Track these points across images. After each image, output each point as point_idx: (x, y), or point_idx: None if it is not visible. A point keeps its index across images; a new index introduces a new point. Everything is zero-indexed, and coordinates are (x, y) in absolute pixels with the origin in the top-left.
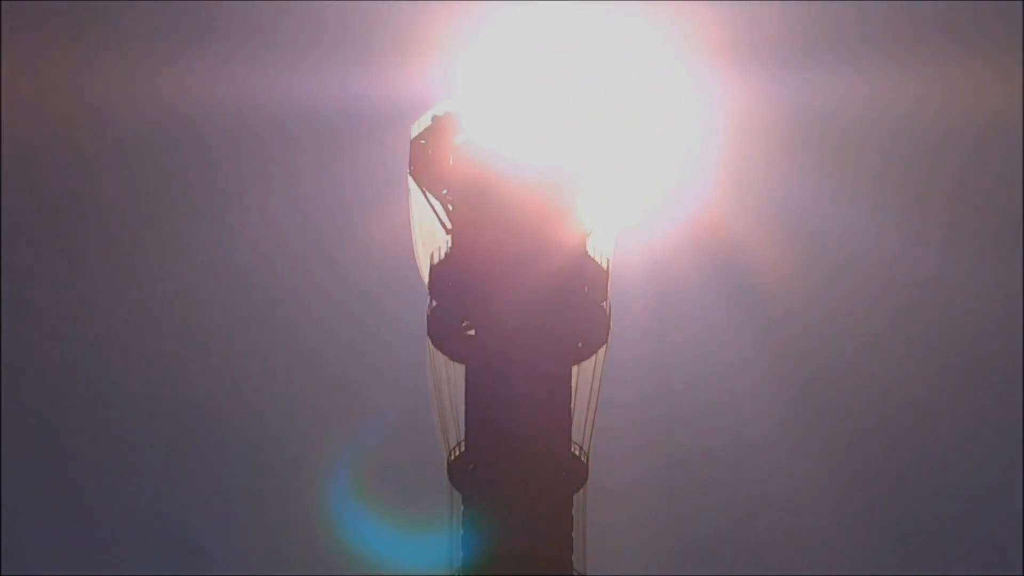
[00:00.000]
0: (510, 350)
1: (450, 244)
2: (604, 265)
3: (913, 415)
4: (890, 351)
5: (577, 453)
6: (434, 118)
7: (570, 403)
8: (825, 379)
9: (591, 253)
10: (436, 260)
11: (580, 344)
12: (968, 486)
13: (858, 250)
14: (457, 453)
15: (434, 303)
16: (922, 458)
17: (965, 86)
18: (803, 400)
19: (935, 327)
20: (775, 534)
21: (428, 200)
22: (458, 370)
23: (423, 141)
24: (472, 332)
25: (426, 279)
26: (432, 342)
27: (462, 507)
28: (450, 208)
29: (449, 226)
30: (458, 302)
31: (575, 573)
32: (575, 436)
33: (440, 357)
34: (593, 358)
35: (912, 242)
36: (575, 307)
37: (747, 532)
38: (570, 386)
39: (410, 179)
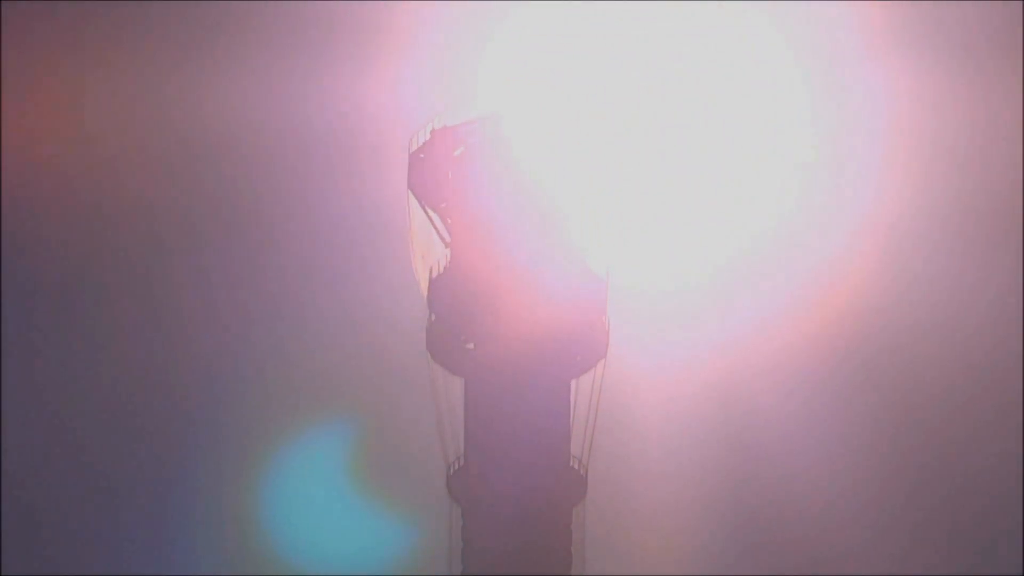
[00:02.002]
0: (509, 364)
1: (449, 258)
2: (603, 278)
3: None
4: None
5: (576, 467)
6: (433, 131)
7: (569, 417)
8: (837, 390)
9: (590, 266)
10: (435, 274)
11: (579, 358)
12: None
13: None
14: (456, 466)
15: (433, 317)
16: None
17: None
18: (809, 409)
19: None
20: (777, 547)
21: (427, 213)
22: (457, 383)
23: (422, 155)
24: (471, 346)
25: (425, 293)
26: (431, 356)
27: (461, 520)
28: (449, 221)
29: (448, 239)
30: (457, 316)
31: None
32: (574, 450)
33: (439, 371)
34: (592, 372)
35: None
36: (574, 321)
37: (748, 546)
38: (569, 400)
39: (409, 192)
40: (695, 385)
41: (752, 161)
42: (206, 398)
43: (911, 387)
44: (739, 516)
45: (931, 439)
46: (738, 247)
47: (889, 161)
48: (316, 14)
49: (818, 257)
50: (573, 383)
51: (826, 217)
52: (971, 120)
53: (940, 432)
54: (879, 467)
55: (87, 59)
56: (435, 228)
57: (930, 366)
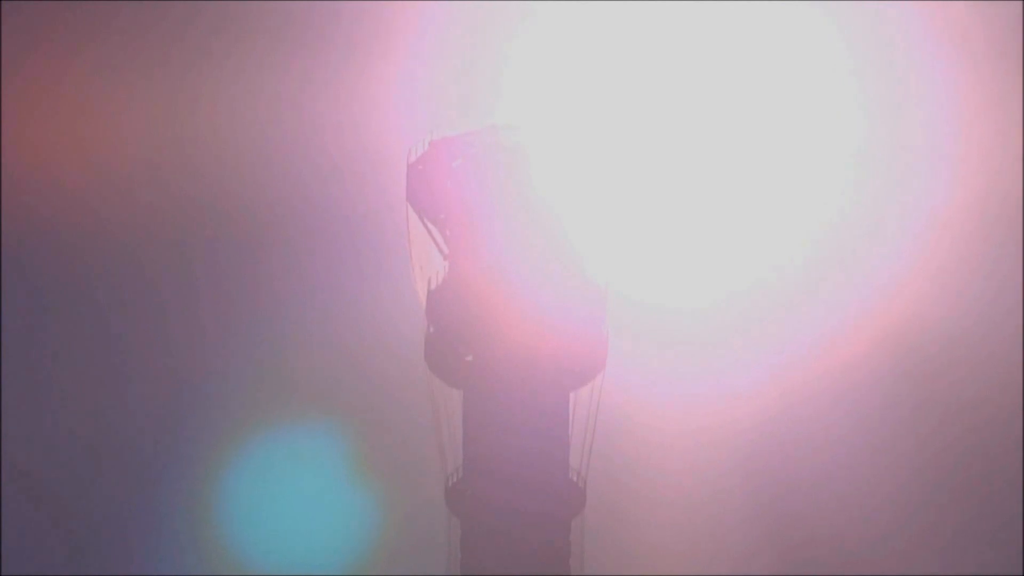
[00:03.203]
0: (508, 376)
1: (448, 269)
2: (603, 289)
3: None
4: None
5: (575, 479)
6: (431, 142)
7: (568, 429)
8: (837, 403)
9: (590, 277)
10: (434, 285)
11: (578, 370)
12: None
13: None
14: (455, 478)
15: (432, 329)
16: None
17: None
18: (809, 420)
19: None
20: (777, 563)
21: (426, 225)
22: (456, 396)
23: (420, 166)
24: (470, 358)
25: (424, 305)
26: (430, 368)
27: (459, 532)
28: (447, 233)
29: (447, 251)
30: (456, 328)
31: None
32: (573, 462)
33: (438, 383)
34: (591, 384)
35: None
36: (573, 332)
37: (749, 561)
38: (568, 412)
39: (407, 204)
40: (696, 398)
41: (787, 165)
42: (203, 409)
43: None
44: (741, 530)
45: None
46: (765, 260)
47: (950, 163)
48: (315, 25)
49: (860, 265)
50: (572, 395)
51: (874, 223)
52: None
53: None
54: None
55: (85, 60)
56: (433, 240)
57: (997, 387)
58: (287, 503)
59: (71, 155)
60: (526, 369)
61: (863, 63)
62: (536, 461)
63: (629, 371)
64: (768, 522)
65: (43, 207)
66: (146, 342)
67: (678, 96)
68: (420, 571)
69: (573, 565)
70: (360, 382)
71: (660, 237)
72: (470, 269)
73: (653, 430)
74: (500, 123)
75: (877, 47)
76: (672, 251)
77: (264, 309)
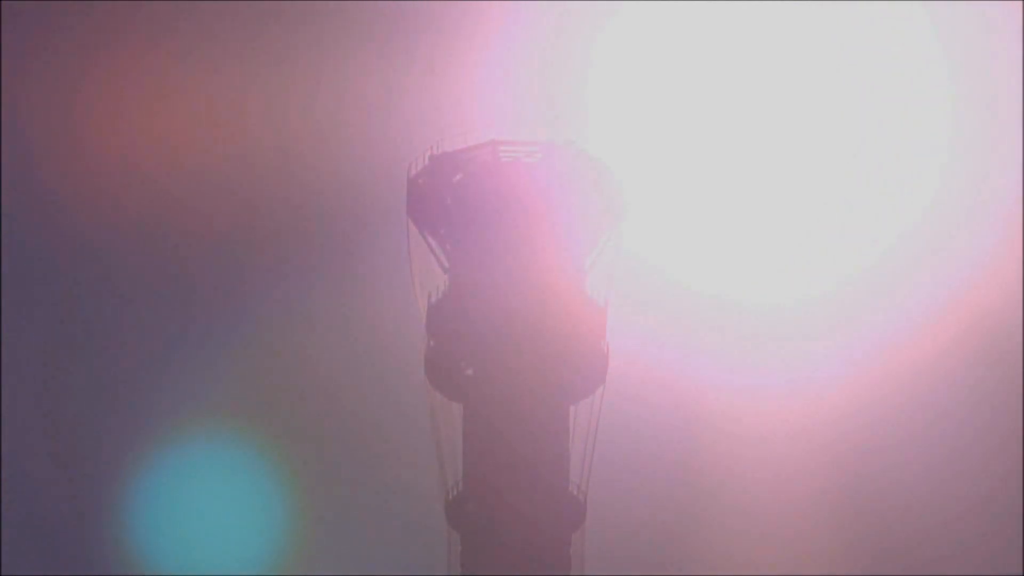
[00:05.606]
0: (508, 390)
1: (448, 284)
2: (602, 304)
3: None
4: None
5: (575, 492)
6: (432, 157)
7: (568, 442)
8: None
9: (589, 292)
10: (434, 299)
11: (578, 383)
12: None
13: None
14: (455, 492)
15: (432, 343)
16: None
17: None
18: (809, 435)
19: None
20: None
21: (426, 240)
22: (456, 409)
23: (421, 180)
24: (470, 372)
25: (424, 319)
26: (430, 381)
27: (460, 546)
28: (448, 248)
29: (447, 265)
30: (456, 342)
31: None
32: (573, 475)
33: (438, 396)
34: (591, 397)
35: None
36: (573, 346)
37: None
38: (568, 425)
39: (408, 218)
40: (695, 409)
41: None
42: (201, 419)
43: None
44: (738, 541)
45: None
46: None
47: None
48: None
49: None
50: (572, 408)
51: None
52: None
53: None
54: None
55: (85, 61)
56: (434, 254)
57: None
58: (283, 514)
59: (71, 155)
60: (526, 383)
61: (953, 60)
62: (536, 474)
63: (631, 382)
64: (770, 536)
65: (42, 206)
66: (148, 359)
67: (761, 90)
68: None
69: None
70: (360, 396)
71: (726, 233)
72: (470, 283)
73: (653, 441)
74: (501, 138)
75: (968, 45)
76: (735, 248)
77: (263, 321)
